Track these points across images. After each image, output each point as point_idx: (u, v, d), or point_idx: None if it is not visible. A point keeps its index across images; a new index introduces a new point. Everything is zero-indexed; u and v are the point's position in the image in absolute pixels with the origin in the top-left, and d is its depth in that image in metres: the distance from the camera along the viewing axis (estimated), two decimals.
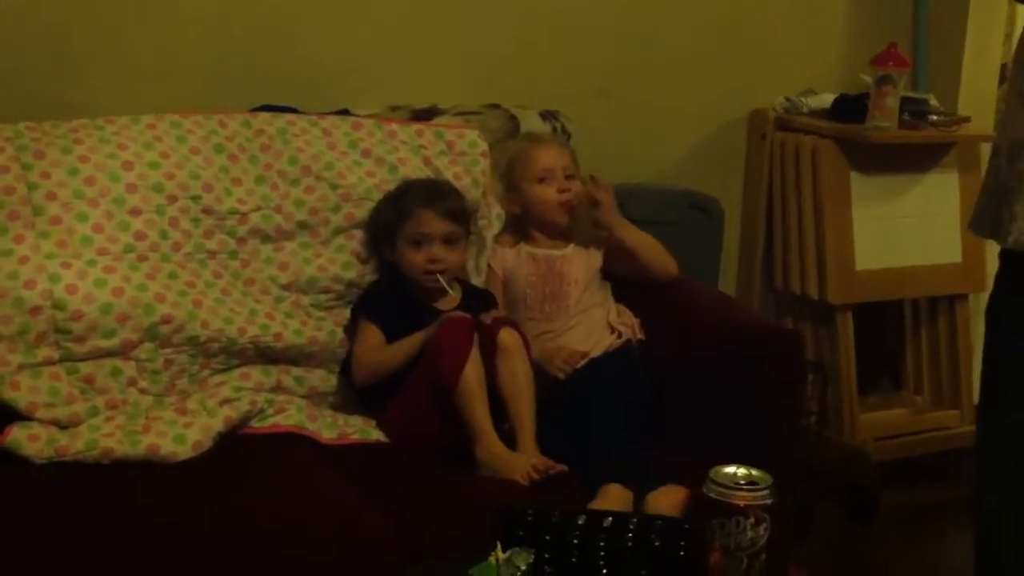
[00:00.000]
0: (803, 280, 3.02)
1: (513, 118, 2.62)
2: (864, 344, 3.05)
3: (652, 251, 2.37)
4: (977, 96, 3.31)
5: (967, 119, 3.12)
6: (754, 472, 1.48)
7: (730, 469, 1.48)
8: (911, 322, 3.26)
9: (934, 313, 3.21)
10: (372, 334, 2.20)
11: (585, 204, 2.38)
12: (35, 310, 1.98)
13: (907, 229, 3.06)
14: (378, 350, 2.19)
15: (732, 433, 2.09)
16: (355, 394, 2.25)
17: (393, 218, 2.25)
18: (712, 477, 1.47)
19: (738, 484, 1.47)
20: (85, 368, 2.01)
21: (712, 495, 1.47)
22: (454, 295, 2.28)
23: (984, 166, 3.19)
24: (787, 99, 3.13)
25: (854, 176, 2.98)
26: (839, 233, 2.96)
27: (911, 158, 3.05)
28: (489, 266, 2.42)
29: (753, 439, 2.05)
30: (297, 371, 2.23)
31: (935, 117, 3.06)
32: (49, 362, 1.99)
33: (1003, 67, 3.36)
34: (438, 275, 2.22)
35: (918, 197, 3.07)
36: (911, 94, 3.05)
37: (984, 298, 3.16)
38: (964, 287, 3.16)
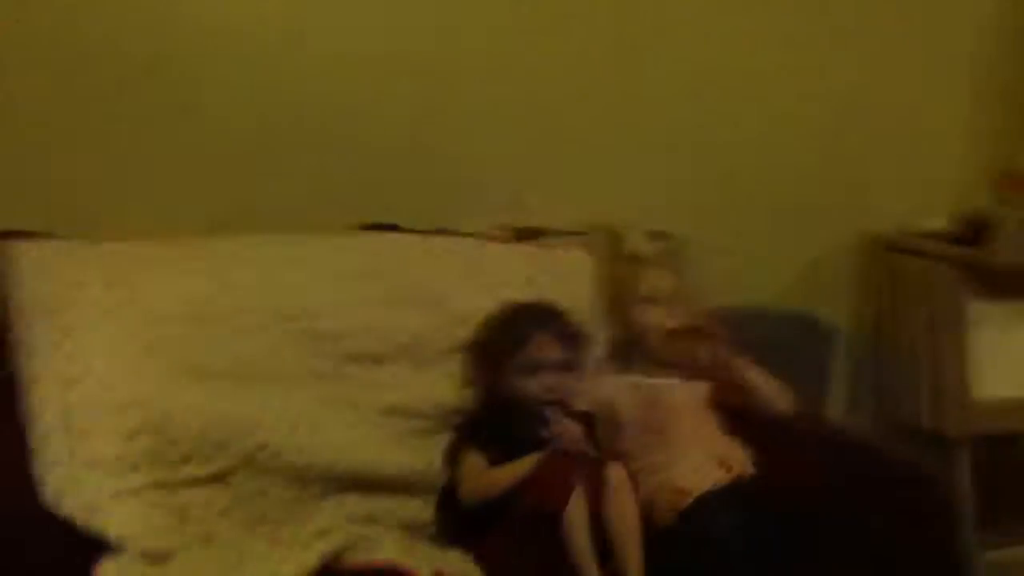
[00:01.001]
0: (917, 411, 2.88)
1: (619, 238, 2.55)
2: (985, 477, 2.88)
3: (767, 389, 2.25)
4: None
5: None
6: None
7: None
8: None
9: None
10: (476, 460, 2.11)
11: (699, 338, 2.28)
12: (131, 435, 1.93)
13: None
14: (485, 473, 2.09)
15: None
16: (452, 525, 2.16)
17: (504, 343, 2.16)
18: None
19: None
20: (180, 497, 1.95)
21: None
22: (559, 424, 2.18)
23: None
24: (901, 222, 3.02)
25: (973, 302, 2.85)
26: (956, 361, 2.82)
27: None
28: (591, 396, 2.31)
29: None
30: (393, 501, 2.14)
31: None
32: (143, 490, 1.93)
33: None
34: (553, 407, 2.13)
35: None
36: None
37: None
38: None
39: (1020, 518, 3.12)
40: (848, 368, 3.07)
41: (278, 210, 2.43)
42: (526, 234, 2.52)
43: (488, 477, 2.08)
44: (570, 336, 2.19)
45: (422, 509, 2.16)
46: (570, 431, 2.12)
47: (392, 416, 2.18)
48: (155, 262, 2.11)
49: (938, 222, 2.98)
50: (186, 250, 2.16)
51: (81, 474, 1.89)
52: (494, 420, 2.17)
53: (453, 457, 2.15)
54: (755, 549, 2.00)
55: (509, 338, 2.16)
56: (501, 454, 2.10)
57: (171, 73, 2.39)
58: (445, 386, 2.22)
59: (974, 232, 2.86)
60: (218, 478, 1.99)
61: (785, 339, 2.84)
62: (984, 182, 2.88)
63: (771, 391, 2.27)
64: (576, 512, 1.95)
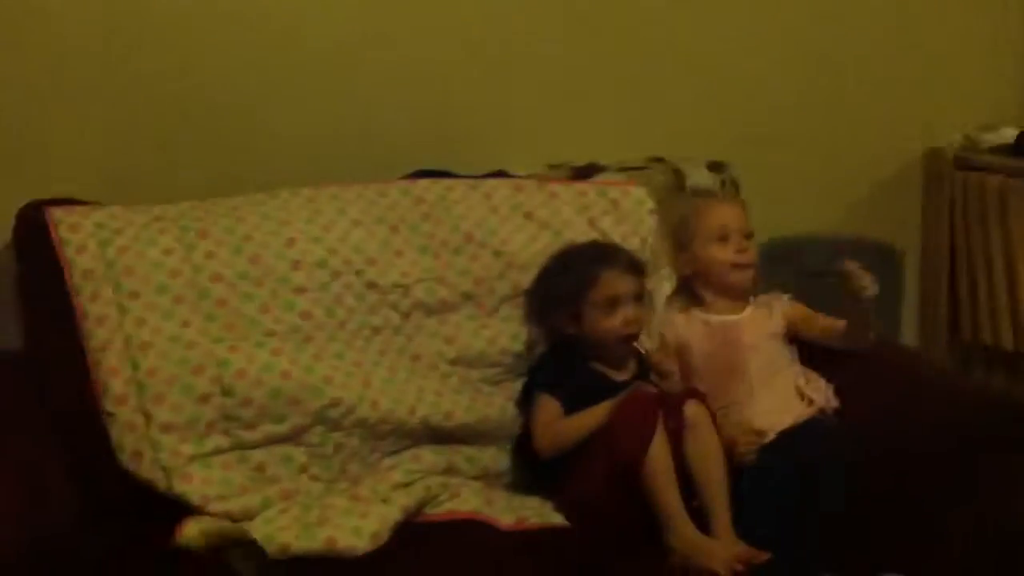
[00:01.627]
0: (995, 330, 2.80)
1: (678, 172, 2.48)
2: None
3: (848, 338, 2.18)
4: None
5: None
6: None
7: None
8: None
9: None
10: (551, 406, 2.07)
11: None
12: (204, 398, 1.91)
13: None
14: (561, 421, 2.06)
15: (955, 517, 1.88)
16: (530, 472, 2.13)
17: (574, 286, 2.11)
18: None
19: None
20: (256, 456, 1.93)
21: None
22: (633, 363, 2.14)
23: None
24: (965, 136, 2.92)
25: None
26: None
27: None
28: (661, 335, 2.26)
29: (980, 524, 1.85)
30: (469, 450, 2.11)
31: None
32: (220, 451, 1.91)
33: None
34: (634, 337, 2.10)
35: None
36: None
37: None
38: None
39: None
40: (921, 292, 2.99)
41: (329, 166, 2.38)
42: (582, 172, 2.45)
43: (564, 426, 2.04)
44: (636, 266, 2.15)
45: (499, 458, 2.13)
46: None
47: (461, 366, 2.14)
48: (210, 223, 2.07)
49: (1005, 135, 2.88)
50: (239, 209, 2.11)
51: (157, 438, 1.88)
52: (563, 365, 2.13)
53: (527, 404, 2.11)
54: (840, 482, 1.95)
55: (580, 277, 2.11)
56: (576, 398, 2.06)
57: (210, 35, 2.34)
58: (511, 332, 2.18)
59: None
60: (293, 436, 1.96)
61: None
62: None
63: (849, 322, 2.20)
64: (659, 458, 1.92)
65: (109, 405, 1.89)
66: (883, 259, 2.83)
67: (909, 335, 2.96)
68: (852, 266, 2.09)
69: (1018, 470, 1.90)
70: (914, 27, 2.90)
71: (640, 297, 2.13)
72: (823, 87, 2.83)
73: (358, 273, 2.10)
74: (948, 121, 2.95)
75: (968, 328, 2.88)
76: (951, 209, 2.88)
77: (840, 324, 2.18)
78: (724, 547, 1.84)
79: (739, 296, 2.25)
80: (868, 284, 2.07)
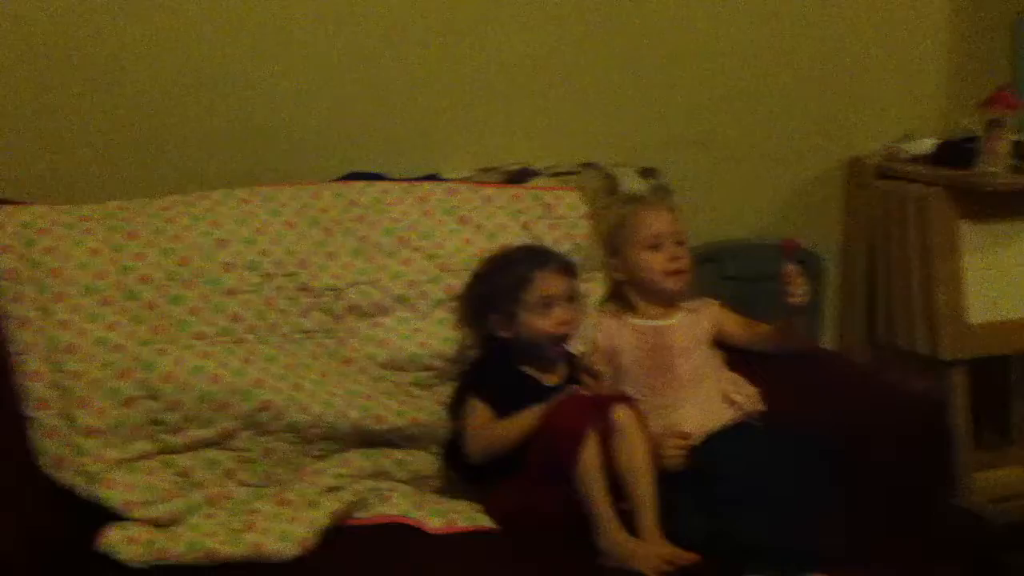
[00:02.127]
0: (911, 335, 2.87)
1: (610, 177, 2.51)
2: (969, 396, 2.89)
3: (786, 335, 2.23)
4: None
5: None
6: None
7: None
8: (1019, 374, 3.10)
9: None
10: (483, 410, 2.07)
11: None
12: (130, 401, 1.89)
13: (1019, 279, 2.89)
14: (492, 425, 2.06)
15: (876, 509, 1.95)
16: (460, 476, 2.13)
17: (508, 285, 2.12)
18: None
19: None
20: (182, 461, 1.92)
21: None
22: (562, 367, 2.16)
23: None
24: (886, 146, 2.99)
25: (963, 225, 2.83)
26: (950, 285, 2.80)
27: (1019, 203, 2.89)
28: (593, 338, 2.27)
29: (902, 516, 1.92)
30: (399, 454, 2.11)
31: None
32: (145, 456, 1.89)
33: None
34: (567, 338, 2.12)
35: None
36: (1019, 138, 2.89)
37: None
38: None
39: (1006, 440, 3.15)
40: (840, 296, 3.06)
41: (259, 166, 2.35)
42: (516, 176, 2.46)
43: (495, 430, 2.05)
44: (569, 268, 2.17)
45: (429, 462, 2.13)
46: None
47: (392, 369, 2.14)
48: (138, 223, 2.04)
49: (925, 145, 2.96)
50: (169, 210, 2.08)
51: (81, 442, 1.85)
52: (496, 368, 2.14)
53: (459, 408, 2.12)
54: (764, 484, 1.99)
55: (514, 279, 2.12)
56: (507, 402, 2.07)
57: (141, 30, 2.30)
58: (444, 335, 2.18)
59: (960, 155, 2.84)
60: (220, 441, 1.95)
61: (772, 270, 2.81)
62: (969, 104, 2.83)
63: (781, 326, 2.25)
64: (590, 461, 1.93)
65: (30, 409, 1.85)
66: (806, 265, 2.88)
67: (828, 339, 3.02)
68: (791, 271, 2.13)
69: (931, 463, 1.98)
70: (838, 40, 2.95)
71: (573, 298, 2.15)
72: (751, 96, 2.87)
73: (290, 276, 2.09)
74: (870, 131, 3.02)
75: (885, 332, 2.95)
76: (871, 216, 2.95)
77: (767, 329, 2.22)
78: (652, 549, 1.86)
79: (670, 302, 2.28)
80: (803, 289, 2.11)
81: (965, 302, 2.82)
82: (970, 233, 2.84)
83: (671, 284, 2.25)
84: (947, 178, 2.81)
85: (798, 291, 2.13)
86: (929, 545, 2.02)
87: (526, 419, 2.01)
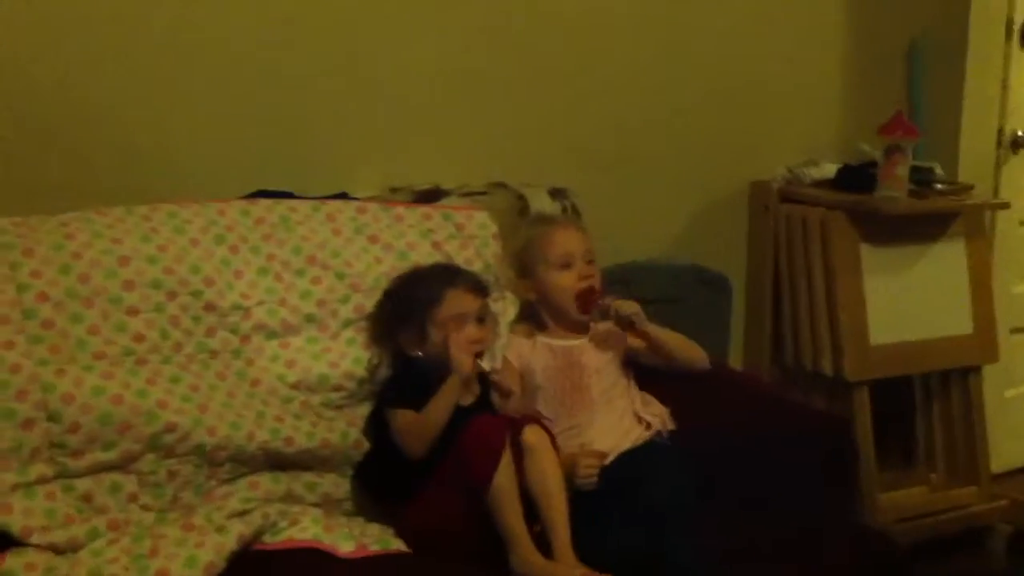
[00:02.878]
0: (816, 356, 2.92)
1: (521, 197, 2.51)
2: (874, 417, 2.95)
3: (684, 349, 2.26)
4: (977, 161, 3.27)
5: (971, 187, 3.07)
6: None
7: None
8: (922, 395, 3.18)
9: (947, 385, 3.13)
10: (407, 414, 2.03)
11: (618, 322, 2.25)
12: (28, 423, 1.81)
13: (919, 301, 2.98)
14: (419, 417, 2.02)
15: (783, 526, 1.97)
16: (371, 498, 2.10)
17: (419, 303, 2.10)
18: None
19: None
20: (83, 485, 1.84)
21: None
22: (475, 387, 2.14)
23: (990, 234, 3.20)
24: (789, 170, 3.05)
25: (864, 248, 2.90)
26: (853, 307, 2.87)
27: (920, 228, 2.98)
28: (505, 357, 2.27)
29: (805, 531, 1.94)
30: (309, 477, 2.07)
31: (940, 186, 3.00)
32: (44, 480, 1.81)
33: (1000, 131, 3.33)
34: (477, 358, 2.10)
35: (928, 268, 3.00)
36: (917, 163, 2.98)
37: (996, 370, 3.16)
38: (977, 359, 3.08)
39: (910, 460, 3.22)
40: (745, 317, 3.10)
41: (163, 183, 2.30)
42: (426, 196, 2.44)
43: (423, 420, 2.02)
44: (480, 287, 2.16)
45: (339, 484, 2.10)
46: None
47: (302, 390, 2.10)
48: (35, 240, 1.96)
49: (827, 170, 3.02)
50: (67, 226, 2.01)
51: None
52: (410, 386, 2.11)
53: (380, 422, 2.08)
54: (677, 503, 2.00)
55: (425, 297, 2.11)
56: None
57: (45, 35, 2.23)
58: (355, 355, 2.15)
59: (861, 179, 2.91)
60: (122, 464, 1.88)
61: (681, 291, 2.85)
62: (869, 129, 2.91)
63: (684, 351, 2.27)
64: (503, 482, 1.91)
65: None
66: (712, 287, 2.93)
67: (735, 358, 3.06)
68: (610, 301, 2.22)
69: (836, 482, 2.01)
70: (742, 66, 3.02)
71: (483, 318, 2.14)
72: (658, 119, 2.92)
73: (195, 294, 2.04)
74: (773, 155, 3.08)
75: (790, 353, 3.00)
76: (775, 239, 3.00)
77: (676, 339, 2.25)
78: (565, 570, 1.85)
79: (579, 322, 2.28)
80: (632, 308, 2.20)
81: (867, 324, 2.88)
82: (871, 256, 2.91)
83: (582, 306, 2.24)
84: (848, 202, 2.88)
85: (630, 311, 2.21)
86: (834, 565, 2.05)
87: (444, 396, 2.00)
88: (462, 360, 2.04)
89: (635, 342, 2.28)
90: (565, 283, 2.25)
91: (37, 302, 1.89)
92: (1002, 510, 3.05)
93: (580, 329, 2.28)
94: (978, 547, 3.04)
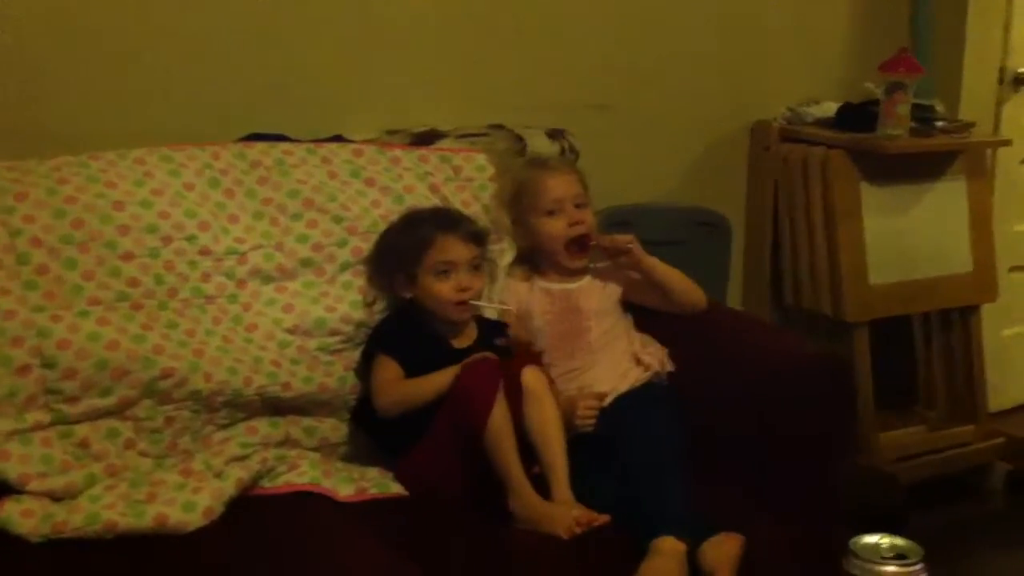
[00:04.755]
0: (816, 297, 2.91)
1: (519, 138, 2.48)
2: (873, 357, 2.94)
3: (682, 284, 2.24)
4: (978, 100, 3.23)
5: (973, 124, 3.03)
6: (900, 542, 1.32)
7: (872, 539, 1.32)
8: (921, 334, 3.17)
9: (946, 325, 3.12)
10: (391, 366, 2.03)
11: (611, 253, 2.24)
12: (23, 370, 1.80)
13: (918, 240, 2.96)
14: (402, 382, 2.03)
15: (780, 468, 1.97)
16: (370, 441, 2.10)
17: (410, 249, 2.08)
18: (854, 550, 1.31)
19: (885, 558, 1.30)
20: (80, 431, 1.84)
21: (856, 572, 1.31)
22: (472, 330, 2.13)
23: (991, 172, 3.18)
24: (789, 109, 3.03)
25: (864, 187, 2.87)
26: (852, 247, 2.85)
27: (920, 167, 2.95)
28: (503, 301, 2.25)
29: (804, 473, 1.95)
30: (307, 421, 2.06)
31: (942, 123, 2.97)
32: (40, 427, 1.81)
33: (1001, 69, 3.29)
34: (468, 304, 2.08)
35: (928, 207, 2.97)
36: (918, 100, 2.94)
37: (995, 309, 3.16)
38: (976, 298, 3.07)
39: (909, 400, 3.23)
40: (745, 259, 3.08)
41: (156, 126, 2.27)
42: (422, 138, 2.41)
43: (405, 387, 2.01)
44: (475, 235, 2.14)
45: (338, 428, 2.10)
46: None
47: (298, 335, 2.08)
48: (28, 184, 1.94)
49: (827, 109, 2.99)
50: (60, 170, 1.99)
51: None
52: (404, 330, 2.10)
53: (366, 367, 2.07)
54: (673, 445, 2.00)
55: (415, 242, 2.08)
56: (415, 363, 2.04)
57: None
58: (351, 299, 2.13)
59: (862, 118, 2.88)
60: (119, 410, 1.87)
61: (681, 234, 2.83)
62: (871, 68, 2.87)
63: (690, 292, 2.26)
64: (499, 425, 1.91)
65: None
66: (713, 228, 2.91)
67: (734, 300, 3.05)
68: (603, 239, 2.22)
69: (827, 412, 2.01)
70: (742, 5, 2.97)
71: (478, 266, 2.12)
72: (658, 60, 2.88)
73: (190, 239, 2.01)
74: (774, 95, 3.05)
75: (790, 294, 2.99)
76: (776, 179, 2.98)
77: (674, 273, 2.24)
78: (564, 511, 1.85)
79: (572, 271, 2.27)
80: (627, 238, 2.20)
81: (867, 263, 2.87)
82: (871, 195, 2.89)
83: (568, 260, 2.23)
84: (848, 140, 2.85)
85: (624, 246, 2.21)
86: (832, 504, 2.05)
87: (439, 380, 1.98)
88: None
89: (633, 275, 2.26)
90: (554, 230, 2.22)
91: (31, 247, 1.87)
92: (1000, 448, 3.05)
93: (578, 272, 2.27)
94: (977, 487, 3.05)
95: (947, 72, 3.19)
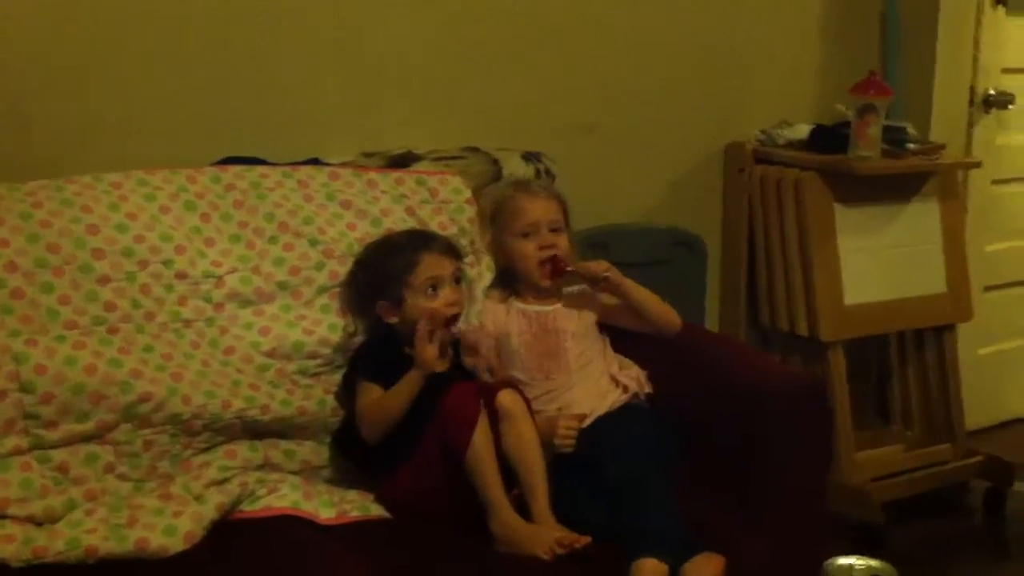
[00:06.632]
0: (791, 316, 2.92)
1: (495, 161, 2.49)
2: (849, 377, 2.96)
3: (657, 307, 2.25)
4: (949, 121, 3.27)
5: (943, 146, 3.07)
6: (874, 563, 1.34)
7: (847, 561, 1.34)
8: (897, 354, 3.19)
9: (921, 344, 3.14)
10: (373, 392, 2.03)
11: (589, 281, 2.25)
12: (1, 395, 1.79)
13: (892, 260, 2.98)
14: (379, 400, 2.02)
15: (759, 488, 1.98)
16: (351, 464, 2.09)
17: (399, 273, 2.08)
18: (829, 572, 1.33)
19: None
20: (58, 456, 1.83)
21: None
22: (450, 352, 2.12)
23: (963, 193, 3.21)
24: (763, 132, 3.05)
25: (838, 208, 2.89)
26: (827, 267, 2.86)
27: (893, 188, 2.98)
28: (480, 323, 2.26)
29: (784, 493, 1.95)
30: (286, 444, 2.06)
31: (913, 145, 3.00)
32: (18, 452, 1.80)
33: (972, 90, 3.33)
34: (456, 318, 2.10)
35: (901, 227, 3.00)
36: (889, 122, 2.97)
37: (970, 328, 3.19)
38: (951, 317, 3.09)
39: (885, 419, 3.24)
40: (721, 280, 3.10)
41: (132, 151, 2.26)
42: (398, 161, 2.42)
43: (381, 404, 2.01)
44: (453, 250, 2.16)
45: (318, 451, 2.09)
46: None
47: (277, 358, 2.08)
48: (4, 209, 1.93)
49: (800, 131, 3.02)
50: (35, 194, 1.98)
51: None
52: (384, 352, 2.10)
53: (348, 394, 2.07)
54: (651, 470, 1.99)
55: (402, 265, 2.09)
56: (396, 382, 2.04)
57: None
58: (329, 322, 2.13)
59: (834, 139, 2.90)
60: (98, 434, 1.87)
61: (658, 255, 2.84)
62: (842, 90, 2.90)
63: (657, 309, 2.27)
64: (481, 447, 1.91)
65: None
66: (689, 249, 2.93)
67: (711, 321, 3.06)
68: (580, 267, 2.23)
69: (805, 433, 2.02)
70: (717, 28, 3.00)
71: (459, 279, 2.14)
72: (634, 82, 2.89)
73: (167, 263, 2.01)
74: (748, 117, 3.07)
75: (766, 314, 3.00)
76: (750, 201, 3.00)
77: (650, 296, 2.25)
78: (545, 532, 1.86)
79: (545, 293, 2.27)
80: (602, 265, 2.21)
81: (842, 284, 2.89)
82: (845, 216, 2.91)
83: (542, 276, 2.23)
84: (821, 162, 2.87)
85: (600, 274, 2.21)
86: (811, 522, 2.06)
87: (407, 385, 1.99)
88: (426, 353, 2.00)
89: (609, 299, 2.27)
90: (526, 251, 2.24)
91: (6, 272, 1.87)
92: (977, 467, 3.07)
93: (553, 294, 2.28)
94: (955, 505, 3.06)
95: (918, 94, 3.22)
